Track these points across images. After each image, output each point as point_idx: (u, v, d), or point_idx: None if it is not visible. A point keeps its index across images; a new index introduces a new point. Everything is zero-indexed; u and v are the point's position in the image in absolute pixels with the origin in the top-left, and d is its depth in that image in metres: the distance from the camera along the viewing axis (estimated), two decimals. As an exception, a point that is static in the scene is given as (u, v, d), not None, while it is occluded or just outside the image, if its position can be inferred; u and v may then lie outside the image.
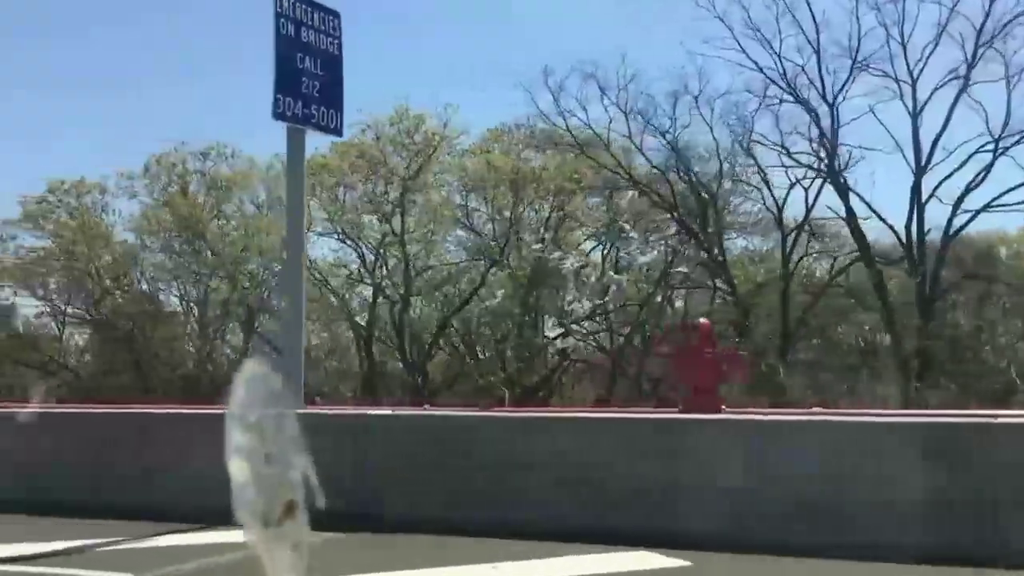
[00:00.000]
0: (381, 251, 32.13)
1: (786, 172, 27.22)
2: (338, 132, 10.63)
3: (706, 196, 26.66)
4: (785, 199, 27.60)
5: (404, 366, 31.43)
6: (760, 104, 27.00)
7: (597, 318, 26.78)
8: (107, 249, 28.69)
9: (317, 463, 1.88)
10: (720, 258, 25.46)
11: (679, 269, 25.87)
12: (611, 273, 24.04)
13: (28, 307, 30.33)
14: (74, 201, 29.57)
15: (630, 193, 27.57)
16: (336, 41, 10.50)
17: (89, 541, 7.18)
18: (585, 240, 29.39)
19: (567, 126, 27.66)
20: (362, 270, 33.55)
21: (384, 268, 32.60)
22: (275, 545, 1.81)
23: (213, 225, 28.46)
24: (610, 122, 27.36)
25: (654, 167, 26.54)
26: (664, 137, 26.89)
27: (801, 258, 27.30)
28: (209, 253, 28.62)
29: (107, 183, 29.55)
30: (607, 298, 25.86)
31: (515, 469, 7.97)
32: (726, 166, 27.22)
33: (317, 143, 33.08)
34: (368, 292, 33.31)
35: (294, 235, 10.17)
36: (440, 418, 9.02)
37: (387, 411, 9.26)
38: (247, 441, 1.80)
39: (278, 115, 9.81)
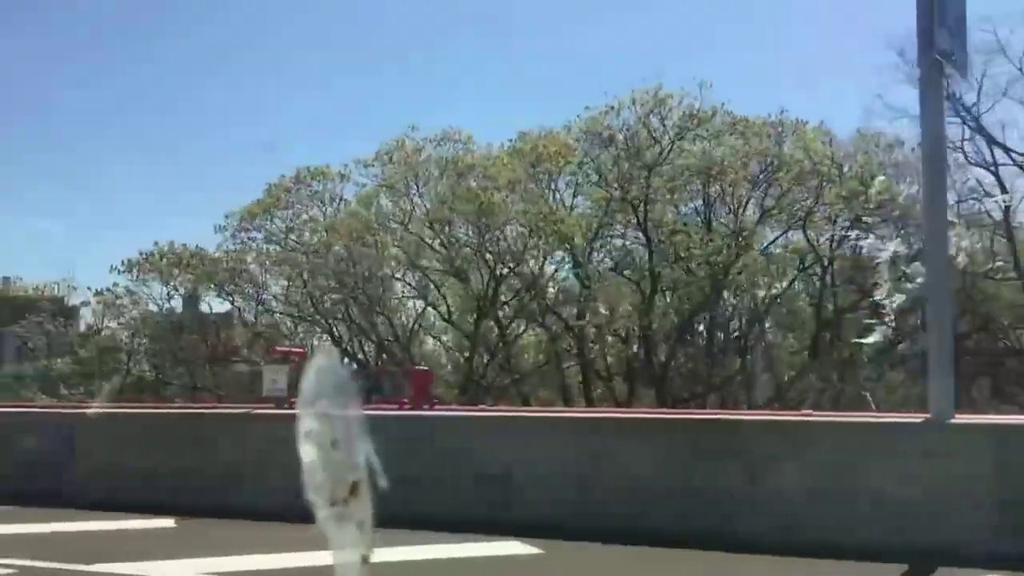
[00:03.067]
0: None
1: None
2: (963, 72, 8.54)
3: None
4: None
5: (649, 368, 29.07)
6: None
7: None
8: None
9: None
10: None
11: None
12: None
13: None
14: (307, 190, 28.27)
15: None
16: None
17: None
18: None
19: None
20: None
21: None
22: (341, 524, 1.87)
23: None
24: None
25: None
26: None
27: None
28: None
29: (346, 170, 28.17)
30: None
31: None
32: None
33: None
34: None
35: (935, 194, 8.11)
36: None
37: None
38: (318, 428, 1.84)
39: (931, 49, 7.82)
